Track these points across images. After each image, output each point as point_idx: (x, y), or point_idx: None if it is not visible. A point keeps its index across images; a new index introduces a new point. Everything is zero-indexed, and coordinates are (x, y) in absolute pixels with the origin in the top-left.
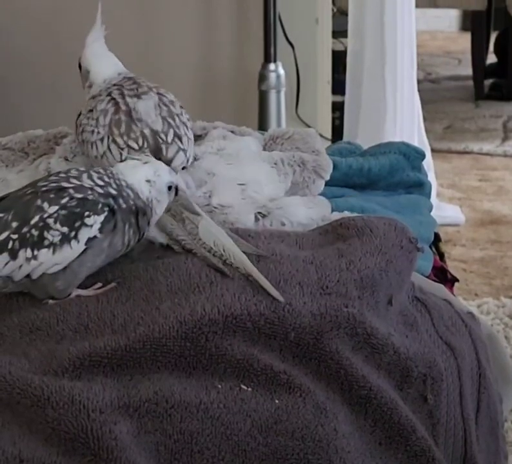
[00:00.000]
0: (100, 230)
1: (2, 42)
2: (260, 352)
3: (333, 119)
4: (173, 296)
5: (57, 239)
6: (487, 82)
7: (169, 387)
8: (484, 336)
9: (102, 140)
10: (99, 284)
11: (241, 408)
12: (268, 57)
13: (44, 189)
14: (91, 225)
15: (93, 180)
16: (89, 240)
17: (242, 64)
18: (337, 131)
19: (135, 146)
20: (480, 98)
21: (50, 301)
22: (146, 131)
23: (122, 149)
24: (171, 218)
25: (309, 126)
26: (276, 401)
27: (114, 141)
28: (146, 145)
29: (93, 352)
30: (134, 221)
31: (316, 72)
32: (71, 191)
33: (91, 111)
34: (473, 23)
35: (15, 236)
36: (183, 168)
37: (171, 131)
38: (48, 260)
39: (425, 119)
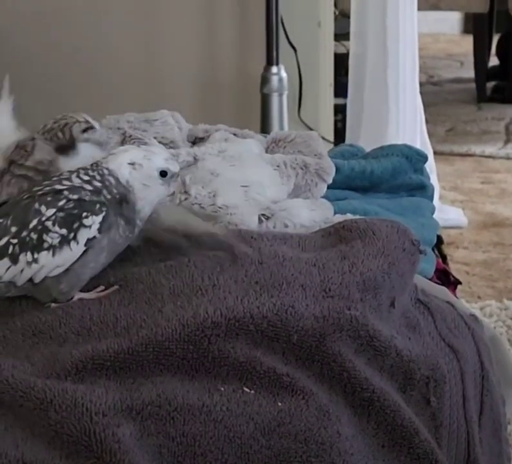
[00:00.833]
0: (99, 230)
1: (2, 43)
2: (263, 354)
3: (335, 122)
4: (176, 299)
5: (56, 241)
6: (490, 85)
7: (172, 390)
8: (487, 338)
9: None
10: (102, 287)
11: (244, 411)
12: (270, 60)
13: (40, 192)
14: (90, 226)
15: (80, 178)
16: (89, 240)
17: (244, 67)
18: (339, 134)
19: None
20: (482, 101)
21: (53, 304)
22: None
23: None
24: None
25: (311, 129)
26: (279, 404)
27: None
28: None
29: (95, 355)
30: (119, 211)
31: (319, 75)
32: (66, 192)
33: None
34: (475, 26)
35: (14, 241)
36: None
37: None
38: (48, 263)
39: (427, 122)
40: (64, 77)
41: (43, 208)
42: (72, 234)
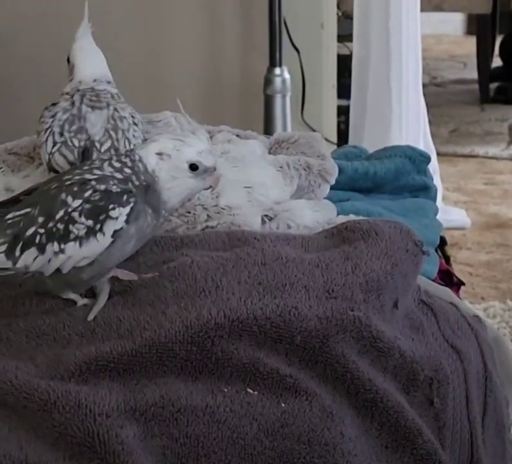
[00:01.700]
0: (127, 221)
1: (8, 46)
2: (266, 355)
3: (339, 123)
4: (179, 301)
5: (82, 232)
6: (493, 86)
7: (175, 391)
8: (490, 339)
9: (46, 130)
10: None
11: (247, 412)
12: (273, 61)
13: (68, 182)
14: (117, 218)
15: (112, 166)
16: (116, 231)
17: (247, 68)
18: (343, 135)
19: (70, 143)
20: (486, 102)
21: (71, 295)
22: (83, 136)
23: (56, 143)
24: None
25: (314, 130)
26: (283, 405)
27: (53, 133)
28: (81, 145)
29: (99, 357)
30: (146, 198)
31: (322, 76)
32: (93, 182)
33: (53, 104)
34: (478, 27)
35: (41, 231)
36: None
37: (109, 142)
38: (75, 253)
39: (430, 123)
40: (66, 77)
41: (70, 199)
42: (98, 226)
